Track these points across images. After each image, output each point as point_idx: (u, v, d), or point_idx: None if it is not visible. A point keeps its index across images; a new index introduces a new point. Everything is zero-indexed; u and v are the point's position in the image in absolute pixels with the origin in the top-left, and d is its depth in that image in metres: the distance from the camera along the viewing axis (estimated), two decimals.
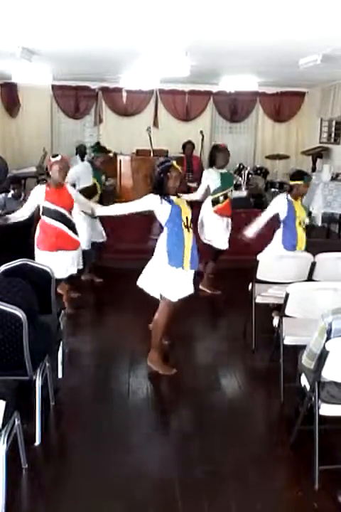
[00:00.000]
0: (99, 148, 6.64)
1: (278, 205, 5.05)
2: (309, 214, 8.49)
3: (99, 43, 5.92)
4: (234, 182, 6.30)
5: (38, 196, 4.92)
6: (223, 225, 6.25)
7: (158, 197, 4.17)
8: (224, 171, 6.27)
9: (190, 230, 4.25)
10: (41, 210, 4.93)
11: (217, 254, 6.36)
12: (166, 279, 4.22)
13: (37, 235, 5.01)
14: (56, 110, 10.82)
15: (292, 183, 5.04)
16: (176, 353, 4.78)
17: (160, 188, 4.17)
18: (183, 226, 4.19)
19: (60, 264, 4.89)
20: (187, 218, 4.22)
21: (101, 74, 9.31)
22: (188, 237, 4.23)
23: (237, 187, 8.78)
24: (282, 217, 5.01)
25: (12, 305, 3.08)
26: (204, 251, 5.81)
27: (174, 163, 4.22)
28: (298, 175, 5.14)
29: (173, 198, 4.21)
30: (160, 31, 5.09)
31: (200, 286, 6.17)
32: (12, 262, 3.97)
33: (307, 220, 5.18)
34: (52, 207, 4.88)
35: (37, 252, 5.00)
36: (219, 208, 6.22)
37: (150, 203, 4.20)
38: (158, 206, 4.17)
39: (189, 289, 4.36)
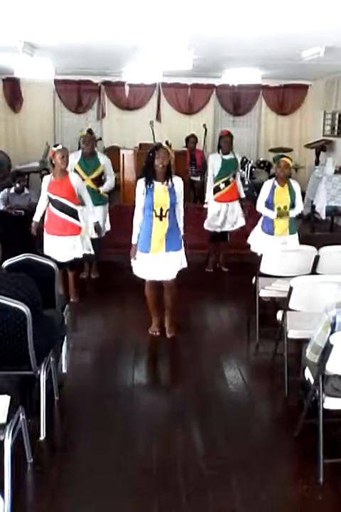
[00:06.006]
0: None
1: (264, 189, 5.40)
2: (313, 207, 8.50)
3: (102, 37, 5.90)
4: (239, 171, 6.51)
5: (44, 186, 5.38)
6: (222, 209, 6.41)
7: (143, 184, 4.40)
8: (227, 156, 6.30)
9: (164, 219, 4.44)
10: (46, 198, 5.37)
11: (214, 237, 6.61)
12: (137, 258, 4.62)
13: (45, 219, 5.45)
14: (59, 105, 10.79)
15: None
16: (180, 345, 4.79)
17: (148, 168, 4.39)
18: (154, 216, 4.44)
19: (61, 248, 5.30)
20: (161, 209, 4.42)
21: (104, 68, 9.28)
22: (158, 226, 4.44)
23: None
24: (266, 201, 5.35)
25: (16, 300, 3.09)
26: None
27: (163, 144, 4.43)
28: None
29: (157, 186, 4.38)
30: (162, 25, 5.07)
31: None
32: (16, 257, 3.99)
33: (293, 212, 5.34)
34: (54, 197, 5.27)
35: (45, 234, 5.42)
36: (219, 196, 6.35)
37: (138, 190, 4.45)
38: (141, 194, 4.44)
39: (160, 274, 4.57)
